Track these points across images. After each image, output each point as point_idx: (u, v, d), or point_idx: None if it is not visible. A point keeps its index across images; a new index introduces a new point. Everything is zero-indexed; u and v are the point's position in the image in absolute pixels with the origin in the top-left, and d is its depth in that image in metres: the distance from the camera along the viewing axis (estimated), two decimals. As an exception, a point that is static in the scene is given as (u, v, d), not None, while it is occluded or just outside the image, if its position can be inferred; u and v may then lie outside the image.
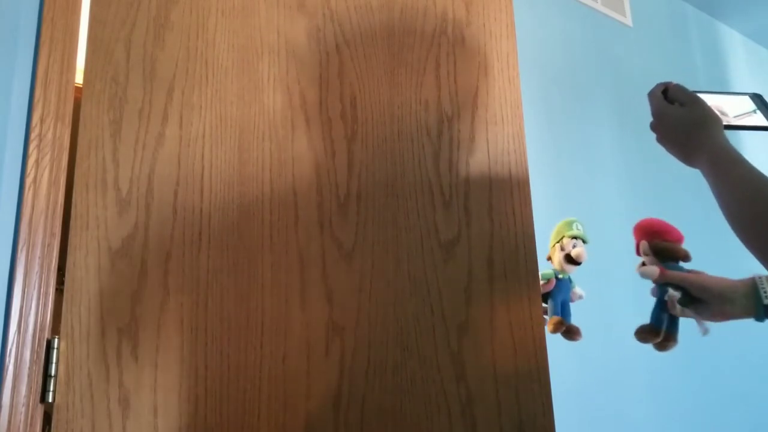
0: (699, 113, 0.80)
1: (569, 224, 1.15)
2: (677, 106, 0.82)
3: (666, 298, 0.93)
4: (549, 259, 1.18)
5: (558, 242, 1.15)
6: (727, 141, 0.77)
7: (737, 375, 2.18)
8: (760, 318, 0.85)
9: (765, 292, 0.84)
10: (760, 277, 0.86)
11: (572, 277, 1.16)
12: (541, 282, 1.15)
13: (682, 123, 0.81)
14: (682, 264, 0.97)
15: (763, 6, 2.74)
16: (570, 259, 1.12)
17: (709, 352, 2.08)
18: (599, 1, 2.22)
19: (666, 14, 2.56)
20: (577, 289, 1.17)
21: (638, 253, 1.01)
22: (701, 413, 2.00)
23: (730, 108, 0.85)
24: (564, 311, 1.14)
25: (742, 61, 2.91)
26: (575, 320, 1.16)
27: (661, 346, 0.95)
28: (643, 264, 0.99)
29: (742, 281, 0.88)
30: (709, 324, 0.93)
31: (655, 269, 0.95)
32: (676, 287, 0.92)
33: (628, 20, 2.33)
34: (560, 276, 1.14)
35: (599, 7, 2.21)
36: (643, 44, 2.37)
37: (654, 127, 0.85)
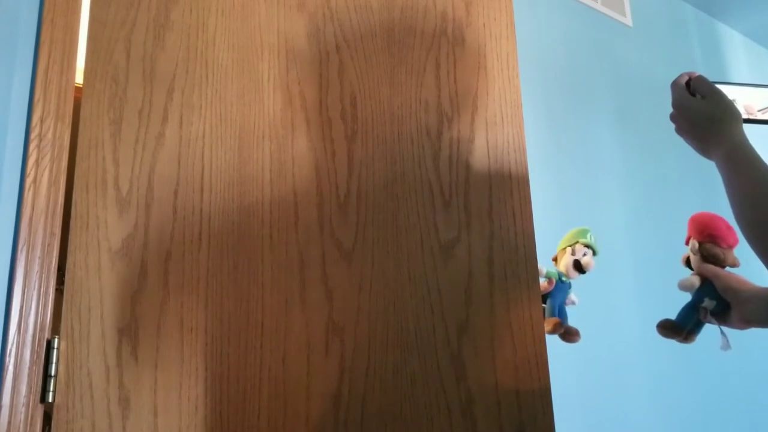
0: (719, 107, 0.80)
1: (584, 232, 1.15)
2: (698, 99, 0.82)
3: (703, 306, 0.91)
4: (554, 260, 1.18)
5: (570, 246, 1.14)
6: (744, 138, 0.77)
7: (740, 379, 2.18)
8: None
9: None
10: None
11: (572, 281, 1.17)
12: (543, 280, 1.15)
13: (701, 116, 0.80)
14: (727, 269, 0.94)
15: (763, 6, 2.74)
16: (578, 266, 1.12)
17: (712, 355, 2.08)
18: (599, 1, 2.22)
19: (666, 14, 2.56)
20: (572, 296, 1.18)
21: (687, 243, 0.98)
22: (703, 416, 1.99)
23: (751, 101, 0.85)
24: (561, 313, 1.14)
25: (742, 61, 2.91)
26: (575, 320, 1.16)
27: (679, 341, 0.94)
28: (688, 259, 0.97)
29: (765, 288, 0.84)
30: (729, 332, 0.90)
31: (694, 282, 0.93)
32: (711, 295, 0.90)
33: (628, 20, 2.33)
34: (563, 279, 1.15)
35: (599, 7, 2.21)
36: (643, 44, 2.37)
37: (673, 118, 0.85)
